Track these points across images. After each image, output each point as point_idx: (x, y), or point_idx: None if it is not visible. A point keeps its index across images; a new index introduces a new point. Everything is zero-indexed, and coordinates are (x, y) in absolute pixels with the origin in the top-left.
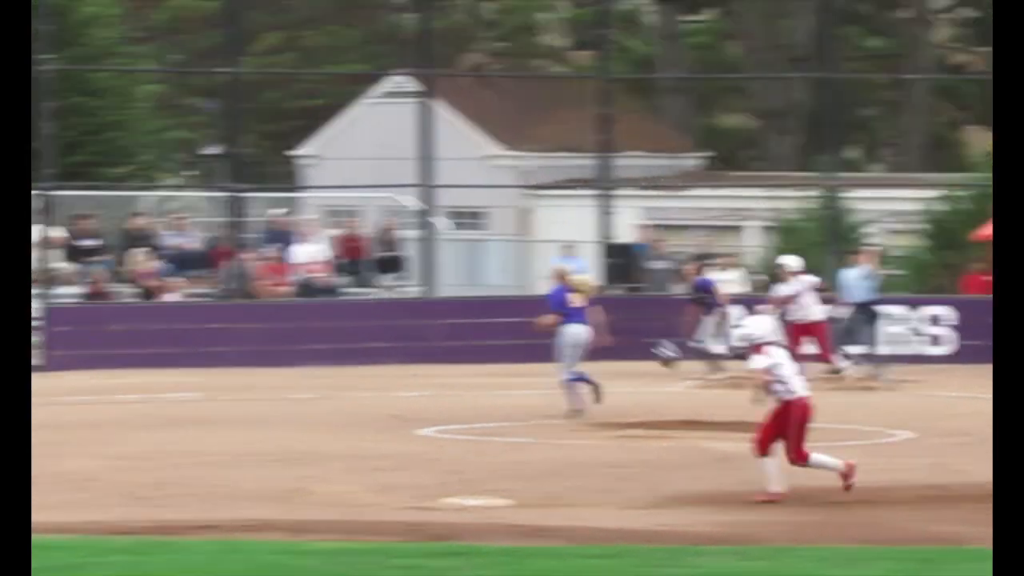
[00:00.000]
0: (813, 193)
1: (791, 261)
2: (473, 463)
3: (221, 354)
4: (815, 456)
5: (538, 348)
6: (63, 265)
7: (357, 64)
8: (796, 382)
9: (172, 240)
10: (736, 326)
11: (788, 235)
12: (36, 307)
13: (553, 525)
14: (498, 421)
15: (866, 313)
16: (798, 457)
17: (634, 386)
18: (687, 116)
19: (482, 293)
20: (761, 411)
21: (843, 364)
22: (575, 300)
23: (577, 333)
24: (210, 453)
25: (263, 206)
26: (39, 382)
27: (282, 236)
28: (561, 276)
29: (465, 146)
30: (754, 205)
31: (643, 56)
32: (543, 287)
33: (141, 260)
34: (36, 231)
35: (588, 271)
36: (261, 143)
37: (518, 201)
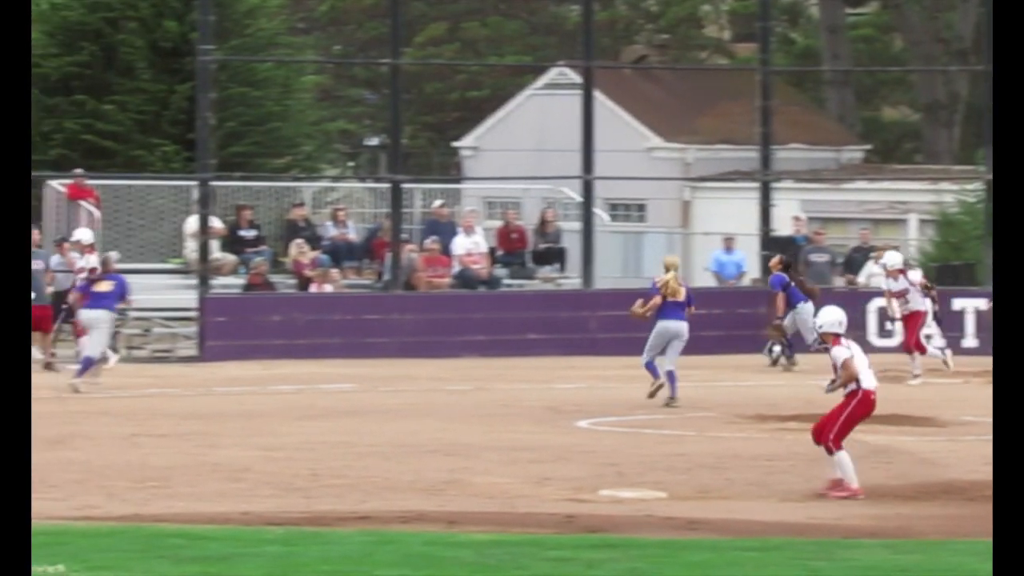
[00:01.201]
0: (973, 186)
1: (893, 259)
2: (629, 455)
3: (378, 345)
4: (843, 454)
5: (696, 341)
6: (222, 255)
7: (519, 55)
8: (865, 375)
9: (331, 231)
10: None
11: (947, 228)
12: (193, 297)
13: (707, 518)
14: (654, 413)
15: None
16: (833, 442)
17: (789, 379)
18: (848, 108)
19: (640, 285)
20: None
21: (941, 355)
22: (674, 296)
23: (664, 327)
24: (365, 444)
25: (423, 197)
26: (194, 372)
27: (441, 227)
28: (668, 267)
29: (625, 138)
30: (914, 198)
31: (805, 48)
32: (700, 280)
33: (300, 251)
34: (194, 221)
35: (744, 265)
36: (421, 134)
37: (678, 193)
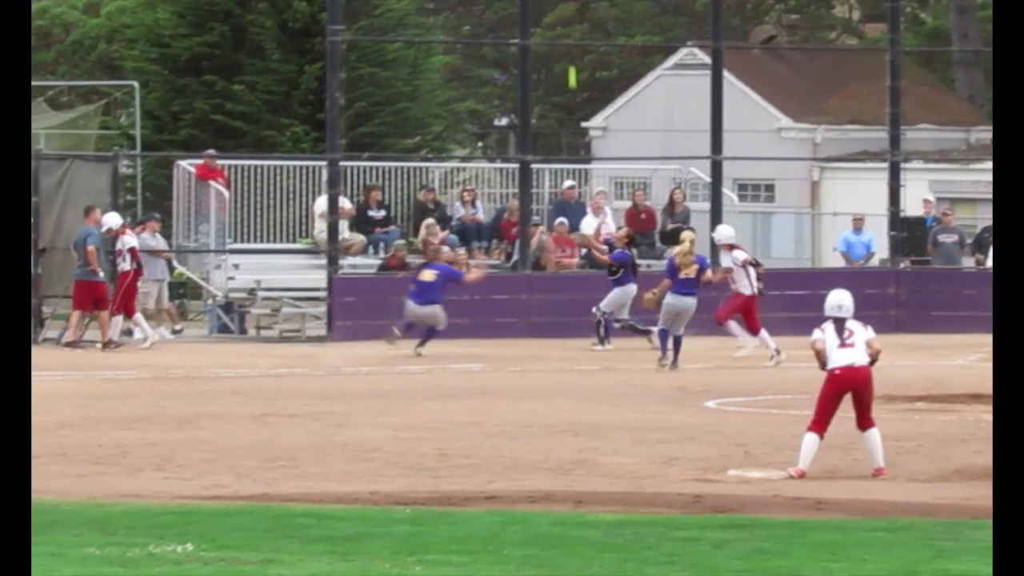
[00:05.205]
0: None
1: (722, 233)
2: (756, 436)
3: (506, 325)
4: (812, 437)
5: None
6: (351, 235)
7: (648, 36)
8: (833, 355)
9: (460, 211)
10: None
11: None
12: (322, 278)
13: (834, 498)
14: (781, 393)
15: None
16: (810, 424)
17: (918, 359)
18: (978, 88)
19: (769, 265)
20: None
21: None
22: (686, 271)
23: (671, 303)
24: (493, 424)
25: (551, 178)
26: (323, 352)
27: (570, 208)
28: (681, 240)
29: (754, 118)
30: None
31: (935, 28)
32: (830, 260)
33: (429, 231)
34: (324, 201)
35: (873, 245)
36: (550, 114)
37: (806, 173)
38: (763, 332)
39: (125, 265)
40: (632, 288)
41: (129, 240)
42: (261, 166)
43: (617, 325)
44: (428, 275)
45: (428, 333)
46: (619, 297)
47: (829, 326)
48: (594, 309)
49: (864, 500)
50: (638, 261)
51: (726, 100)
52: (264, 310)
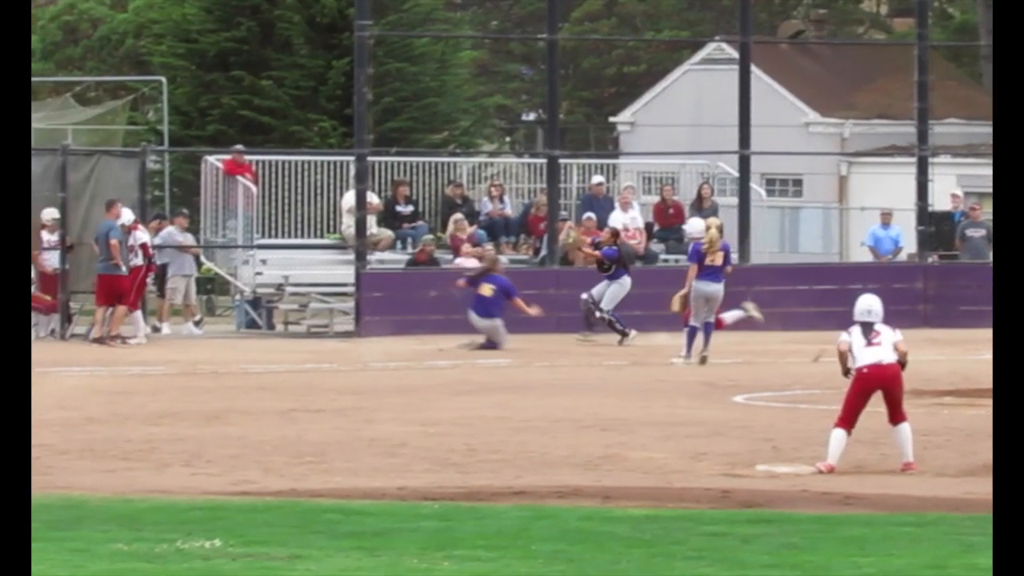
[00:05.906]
0: None
1: (694, 226)
2: (784, 431)
3: (534, 320)
4: (840, 433)
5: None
6: (378, 231)
7: (676, 30)
8: (860, 354)
9: (488, 206)
10: None
11: None
12: (349, 273)
13: (863, 493)
14: (810, 389)
15: None
16: (838, 420)
17: (946, 354)
18: None
19: (797, 260)
20: None
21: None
22: (711, 258)
23: (701, 288)
24: (521, 419)
25: (579, 173)
26: (351, 347)
27: (598, 203)
28: (707, 227)
29: (782, 113)
30: None
31: (963, 22)
32: (858, 255)
33: (457, 227)
34: (351, 196)
35: (900, 240)
36: (578, 109)
37: (834, 168)
38: (724, 315)
39: (137, 260)
40: (627, 281)
41: (141, 236)
42: (289, 161)
43: (584, 303)
44: (487, 289)
45: (488, 344)
46: (617, 293)
47: (856, 329)
48: (597, 312)
49: (892, 495)
50: (665, 256)
51: (754, 95)
52: (292, 305)
